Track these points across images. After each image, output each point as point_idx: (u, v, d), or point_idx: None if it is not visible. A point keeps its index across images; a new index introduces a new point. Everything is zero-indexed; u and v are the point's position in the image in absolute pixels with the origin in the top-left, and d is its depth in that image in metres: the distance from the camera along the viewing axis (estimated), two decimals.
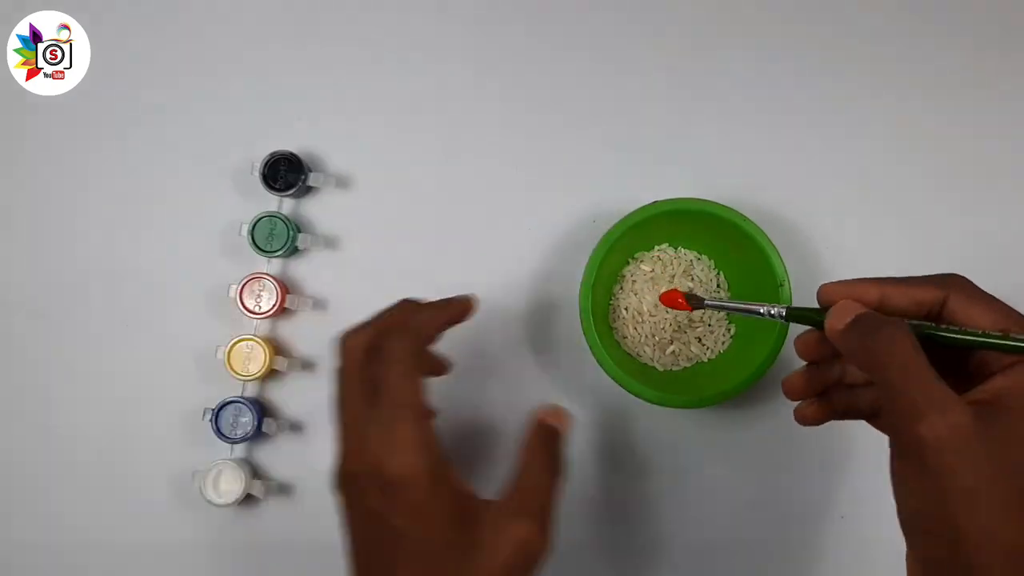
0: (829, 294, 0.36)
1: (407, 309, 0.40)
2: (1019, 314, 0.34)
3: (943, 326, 0.34)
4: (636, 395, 0.44)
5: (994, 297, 0.35)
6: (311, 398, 0.52)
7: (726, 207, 0.45)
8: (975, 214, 0.52)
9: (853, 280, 0.36)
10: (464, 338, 0.51)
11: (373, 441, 0.35)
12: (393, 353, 0.37)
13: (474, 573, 0.34)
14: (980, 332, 0.34)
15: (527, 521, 0.35)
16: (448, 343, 0.51)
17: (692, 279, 0.49)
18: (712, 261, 0.49)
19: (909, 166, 0.52)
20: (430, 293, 0.52)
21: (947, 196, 0.52)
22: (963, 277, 0.35)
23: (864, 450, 0.50)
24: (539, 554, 0.35)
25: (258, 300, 0.50)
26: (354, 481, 0.36)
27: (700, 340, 0.49)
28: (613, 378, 0.45)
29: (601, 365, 0.45)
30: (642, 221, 0.46)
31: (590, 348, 0.45)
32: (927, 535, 0.33)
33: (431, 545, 0.34)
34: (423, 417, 0.36)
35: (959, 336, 0.34)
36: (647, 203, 0.46)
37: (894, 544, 0.50)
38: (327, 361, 0.52)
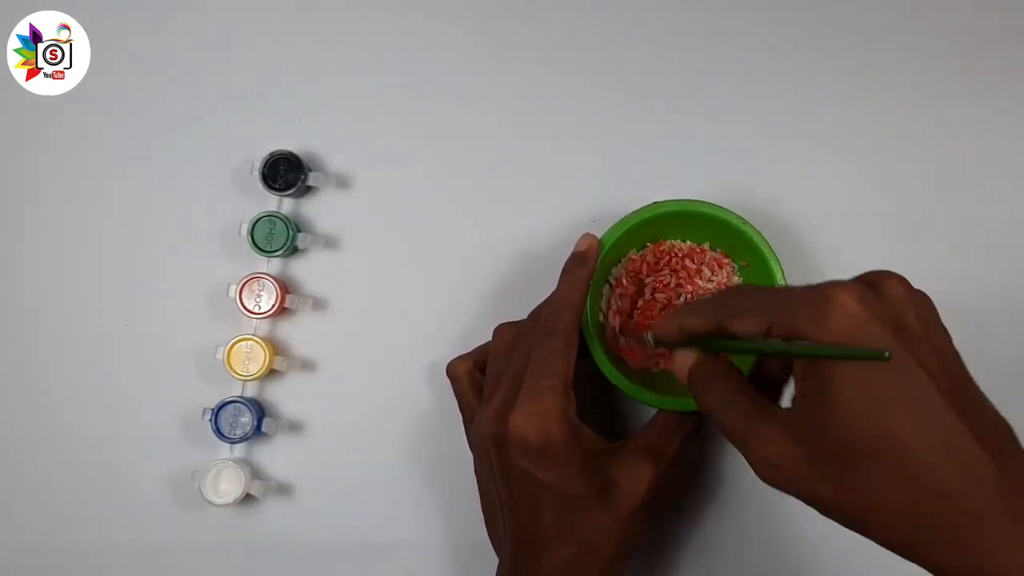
0: (657, 329, 0.40)
1: (551, 306, 0.44)
2: (780, 310, 0.34)
3: (727, 343, 0.36)
4: (632, 396, 0.44)
5: (758, 299, 0.35)
6: (311, 398, 0.52)
7: (726, 209, 0.45)
8: (974, 214, 0.52)
9: (666, 319, 0.39)
10: (465, 340, 0.51)
11: (522, 409, 0.40)
12: (546, 326, 0.42)
13: (609, 511, 0.41)
14: (753, 342, 0.35)
15: (653, 463, 0.42)
16: (448, 344, 0.51)
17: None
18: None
19: (909, 166, 0.52)
20: (429, 293, 0.52)
21: (945, 196, 0.52)
22: (732, 288, 0.37)
23: None
24: (664, 489, 0.43)
25: (258, 300, 0.50)
26: (504, 442, 0.41)
27: None
28: (611, 379, 0.45)
29: (598, 366, 0.45)
30: (642, 222, 0.46)
31: (590, 350, 0.45)
32: None
33: (570, 493, 0.41)
34: (567, 386, 0.41)
35: (740, 348, 0.36)
36: (647, 204, 0.46)
37: None
38: (327, 361, 0.52)
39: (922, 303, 0.34)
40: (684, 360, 0.39)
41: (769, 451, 0.34)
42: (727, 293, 0.37)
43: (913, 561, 0.32)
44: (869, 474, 0.32)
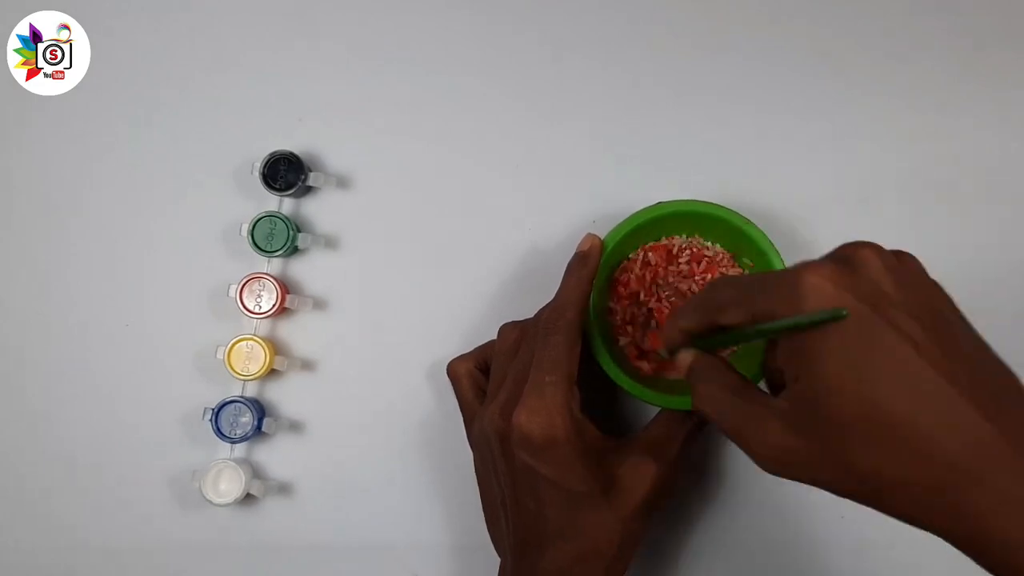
0: (664, 339, 0.40)
1: (555, 308, 0.44)
2: (758, 296, 0.34)
3: (717, 337, 0.37)
4: (636, 395, 0.44)
5: (739, 288, 0.35)
6: (311, 398, 0.52)
7: (730, 209, 0.45)
8: (978, 214, 0.52)
9: (667, 325, 0.40)
10: (465, 340, 0.51)
11: (526, 405, 0.40)
12: (549, 323, 0.42)
13: (612, 508, 0.41)
14: (741, 331, 0.35)
15: (656, 461, 0.42)
16: (448, 344, 0.51)
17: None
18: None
19: (911, 166, 0.52)
20: (429, 293, 0.52)
21: (947, 196, 0.52)
22: (715, 282, 0.38)
23: None
24: (667, 488, 0.43)
25: (258, 300, 0.50)
26: (507, 438, 0.41)
27: None
28: (613, 378, 0.45)
29: (602, 365, 0.45)
30: (646, 222, 0.46)
31: (592, 348, 0.45)
32: None
33: (573, 489, 0.41)
34: (571, 383, 0.41)
35: (730, 339, 0.37)
36: (649, 204, 0.46)
37: (894, 544, 0.50)
38: (327, 361, 0.52)
39: (902, 267, 0.34)
40: (683, 361, 0.39)
41: (766, 446, 0.34)
42: (709, 288, 0.38)
43: (923, 529, 0.32)
44: (861, 448, 0.32)
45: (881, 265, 0.33)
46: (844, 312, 0.31)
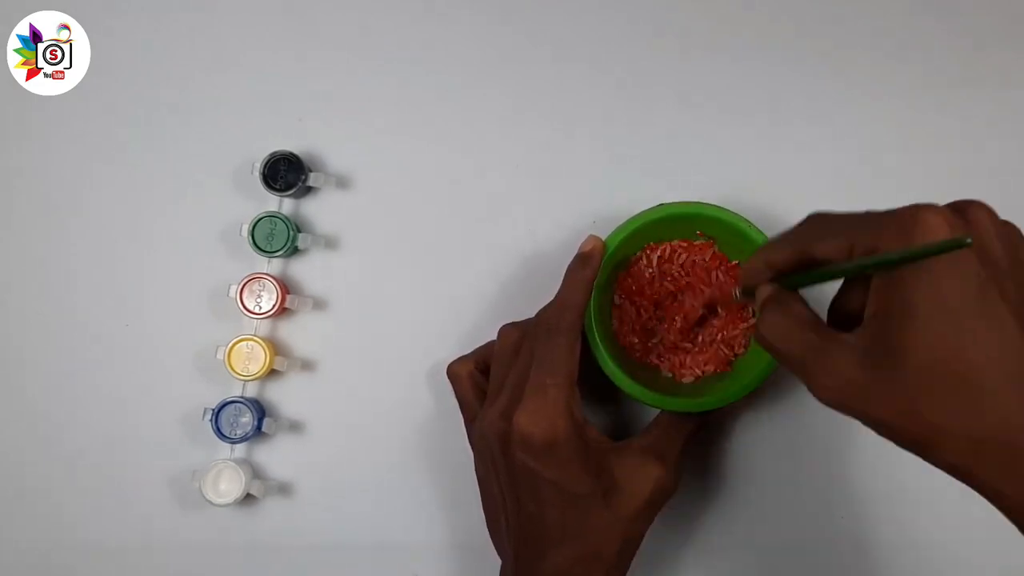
0: (743, 275, 0.39)
1: (553, 310, 0.44)
2: (864, 229, 0.33)
3: (806, 273, 0.36)
4: (636, 397, 0.44)
5: (841, 221, 0.35)
6: (311, 398, 0.52)
7: (731, 211, 0.45)
8: None
9: (754, 257, 0.38)
10: (465, 340, 0.51)
11: (526, 407, 0.40)
12: (551, 325, 0.42)
13: (612, 510, 0.41)
14: (835, 265, 0.34)
15: (657, 463, 0.42)
16: (448, 345, 0.51)
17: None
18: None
19: (912, 166, 0.52)
20: (429, 294, 0.52)
21: (949, 196, 0.52)
22: (813, 215, 0.36)
23: (864, 450, 0.50)
24: (668, 489, 0.43)
25: (258, 300, 0.50)
26: (508, 440, 0.41)
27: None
28: (614, 380, 0.45)
29: (602, 367, 0.45)
30: (648, 224, 0.46)
31: (593, 350, 0.45)
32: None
33: (574, 491, 0.41)
34: (572, 385, 0.41)
35: (821, 275, 0.35)
36: (652, 206, 0.46)
37: (894, 544, 0.50)
38: (327, 361, 0.52)
39: (1009, 233, 0.34)
40: (763, 295, 0.37)
41: (831, 377, 0.33)
42: (808, 220, 0.37)
43: (970, 485, 0.32)
44: (938, 397, 0.31)
45: (992, 226, 0.33)
46: (968, 240, 0.29)
